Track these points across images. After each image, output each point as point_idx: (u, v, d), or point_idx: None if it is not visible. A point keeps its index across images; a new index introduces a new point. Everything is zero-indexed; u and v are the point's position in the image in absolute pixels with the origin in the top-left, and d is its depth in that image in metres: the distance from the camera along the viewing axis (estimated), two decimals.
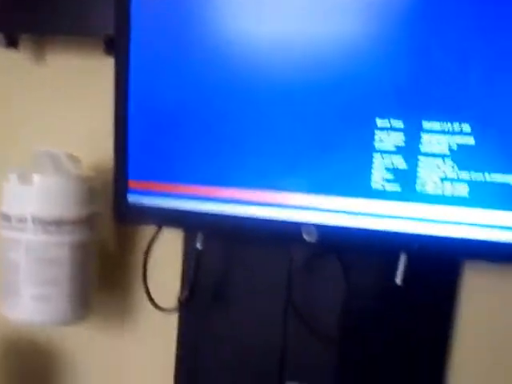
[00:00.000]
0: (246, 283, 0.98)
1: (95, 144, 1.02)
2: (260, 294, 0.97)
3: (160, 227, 0.95)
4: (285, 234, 0.85)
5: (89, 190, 0.96)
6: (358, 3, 0.76)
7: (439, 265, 0.90)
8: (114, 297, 1.07)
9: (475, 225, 0.78)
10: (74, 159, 0.97)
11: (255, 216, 0.85)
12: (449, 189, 0.78)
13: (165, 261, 1.01)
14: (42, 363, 1.12)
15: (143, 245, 0.96)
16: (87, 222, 0.96)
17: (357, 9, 0.76)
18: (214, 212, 0.86)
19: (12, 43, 1.03)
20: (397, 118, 0.78)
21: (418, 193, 0.79)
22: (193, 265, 0.95)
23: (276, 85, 0.81)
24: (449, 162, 0.78)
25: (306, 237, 0.84)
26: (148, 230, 0.97)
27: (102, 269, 1.02)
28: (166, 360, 1.03)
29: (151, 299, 0.95)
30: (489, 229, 0.78)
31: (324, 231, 0.82)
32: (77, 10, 0.90)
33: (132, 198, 0.91)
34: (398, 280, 0.86)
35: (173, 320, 1.01)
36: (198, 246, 0.94)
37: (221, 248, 0.98)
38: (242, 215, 0.85)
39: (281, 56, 0.80)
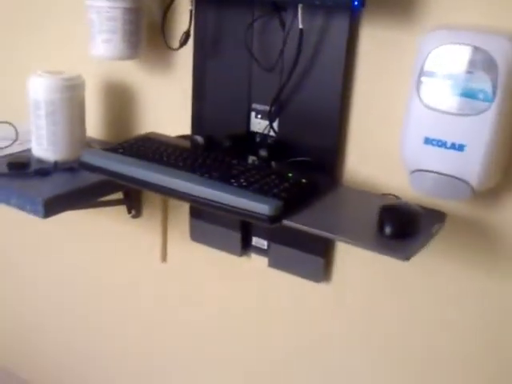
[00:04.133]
0: (223, 36, 1.50)
1: None
2: (231, 45, 1.50)
3: None
4: None
5: None
6: None
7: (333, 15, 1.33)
8: (156, 47, 1.66)
9: None
10: None
11: None
12: None
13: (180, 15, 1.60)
14: (117, 92, 1.81)
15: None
16: None
17: None
18: None
19: None
20: None
21: None
22: (188, 21, 1.50)
23: None
24: None
25: None
26: None
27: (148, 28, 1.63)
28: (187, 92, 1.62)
29: (166, 43, 1.53)
30: None
31: None
32: None
33: None
34: (300, 24, 1.32)
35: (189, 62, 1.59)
36: (190, 7, 1.47)
37: (208, 9, 1.51)
38: None
39: None
